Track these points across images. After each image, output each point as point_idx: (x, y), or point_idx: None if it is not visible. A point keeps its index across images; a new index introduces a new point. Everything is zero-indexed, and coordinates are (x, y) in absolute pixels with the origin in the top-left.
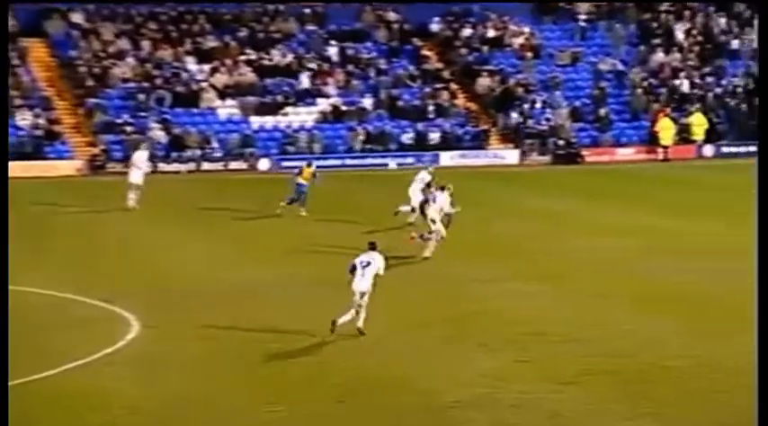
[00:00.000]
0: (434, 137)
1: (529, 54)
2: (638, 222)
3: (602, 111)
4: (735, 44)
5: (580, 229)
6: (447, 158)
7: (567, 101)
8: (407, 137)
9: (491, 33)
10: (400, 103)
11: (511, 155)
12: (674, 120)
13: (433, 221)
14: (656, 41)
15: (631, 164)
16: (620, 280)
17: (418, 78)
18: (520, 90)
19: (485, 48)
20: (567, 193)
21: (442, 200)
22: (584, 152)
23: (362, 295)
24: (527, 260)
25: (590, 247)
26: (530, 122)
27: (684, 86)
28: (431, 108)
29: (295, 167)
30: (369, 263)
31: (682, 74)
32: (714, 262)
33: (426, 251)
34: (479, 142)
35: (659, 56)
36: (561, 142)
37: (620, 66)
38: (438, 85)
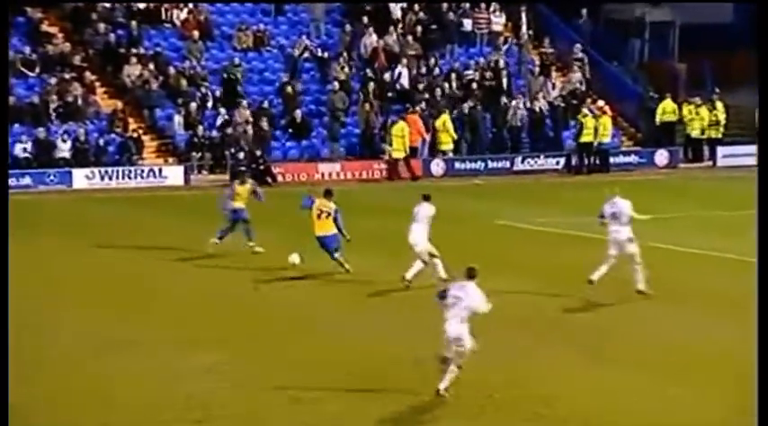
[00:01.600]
0: (63, 147)
1: (196, 33)
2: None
3: (298, 113)
4: (467, 25)
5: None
6: (81, 178)
7: (249, 98)
8: (23, 149)
9: (142, 4)
10: (11, 100)
11: (174, 174)
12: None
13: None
14: (367, 19)
15: (339, 185)
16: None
17: (37, 64)
18: (184, 83)
19: (133, 24)
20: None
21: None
22: (276, 169)
23: (457, 342)
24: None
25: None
26: (199, 128)
27: (404, 79)
28: (56, 107)
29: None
30: (458, 299)
31: (402, 62)
32: None
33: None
34: (129, 155)
35: (371, 39)
36: (242, 155)
37: (321, 52)
38: (66, 75)
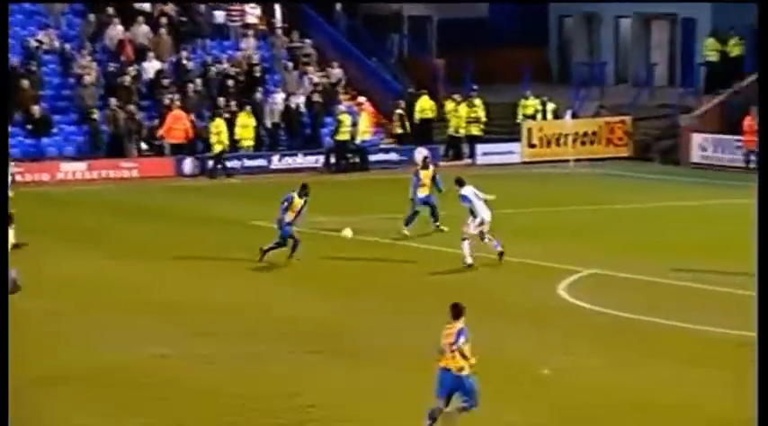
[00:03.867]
0: None
1: None
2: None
3: (36, 109)
4: (220, 17)
5: None
6: None
7: None
8: None
9: None
10: None
11: None
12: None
13: None
14: (112, 10)
15: (82, 185)
16: None
17: None
18: None
19: None
20: None
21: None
22: (16, 168)
23: None
24: None
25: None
26: None
27: (150, 73)
28: None
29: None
30: None
31: (150, 55)
32: None
33: None
34: None
35: (117, 30)
36: None
37: (60, 43)
38: None
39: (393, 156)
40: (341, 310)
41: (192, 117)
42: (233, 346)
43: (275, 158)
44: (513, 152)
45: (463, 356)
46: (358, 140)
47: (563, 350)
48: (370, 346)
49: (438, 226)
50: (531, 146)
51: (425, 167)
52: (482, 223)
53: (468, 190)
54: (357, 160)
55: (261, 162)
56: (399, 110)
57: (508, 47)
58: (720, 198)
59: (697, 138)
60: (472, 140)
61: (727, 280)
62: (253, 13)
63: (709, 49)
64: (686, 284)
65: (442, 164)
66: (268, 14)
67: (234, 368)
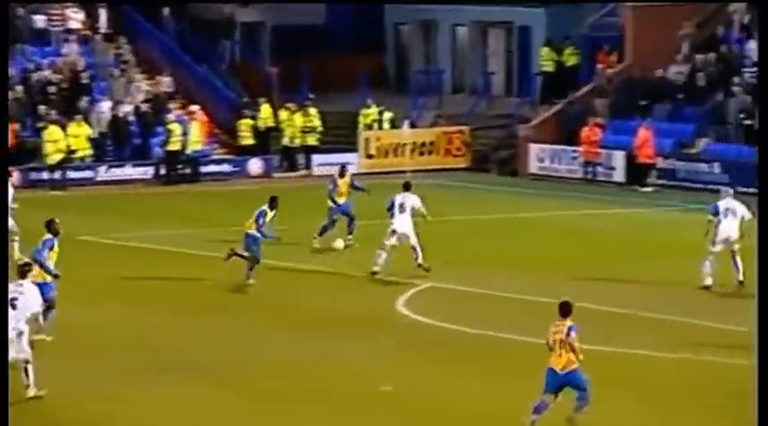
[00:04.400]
0: None
1: None
2: None
3: None
4: (40, 21)
5: None
6: None
7: None
8: None
9: None
10: None
11: None
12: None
13: None
14: None
15: None
16: None
17: None
18: None
19: None
20: None
21: None
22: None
23: None
24: None
25: None
26: None
27: None
28: None
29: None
30: None
31: None
32: None
33: None
34: None
35: None
36: None
37: None
38: None
39: (226, 168)
40: (166, 328)
41: (16, 126)
42: (69, 367)
43: (102, 169)
44: (350, 162)
45: (572, 349)
46: (189, 150)
47: (404, 366)
48: (200, 365)
49: (349, 241)
50: (369, 156)
51: (342, 175)
52: (393, 233)
53: (398, 197)
54: (188, 171)
55: (87, 173)
56: (248, 120)
57: (344, 54)
58: (558, 209)
59: (534, 149)
60: (308, 151)
61: (565, 292)
62: (75, 18)
63: (544, 59)
64: (524, 297)
65: (276, 175)
66: (92, 19)
67: (69, 389)
